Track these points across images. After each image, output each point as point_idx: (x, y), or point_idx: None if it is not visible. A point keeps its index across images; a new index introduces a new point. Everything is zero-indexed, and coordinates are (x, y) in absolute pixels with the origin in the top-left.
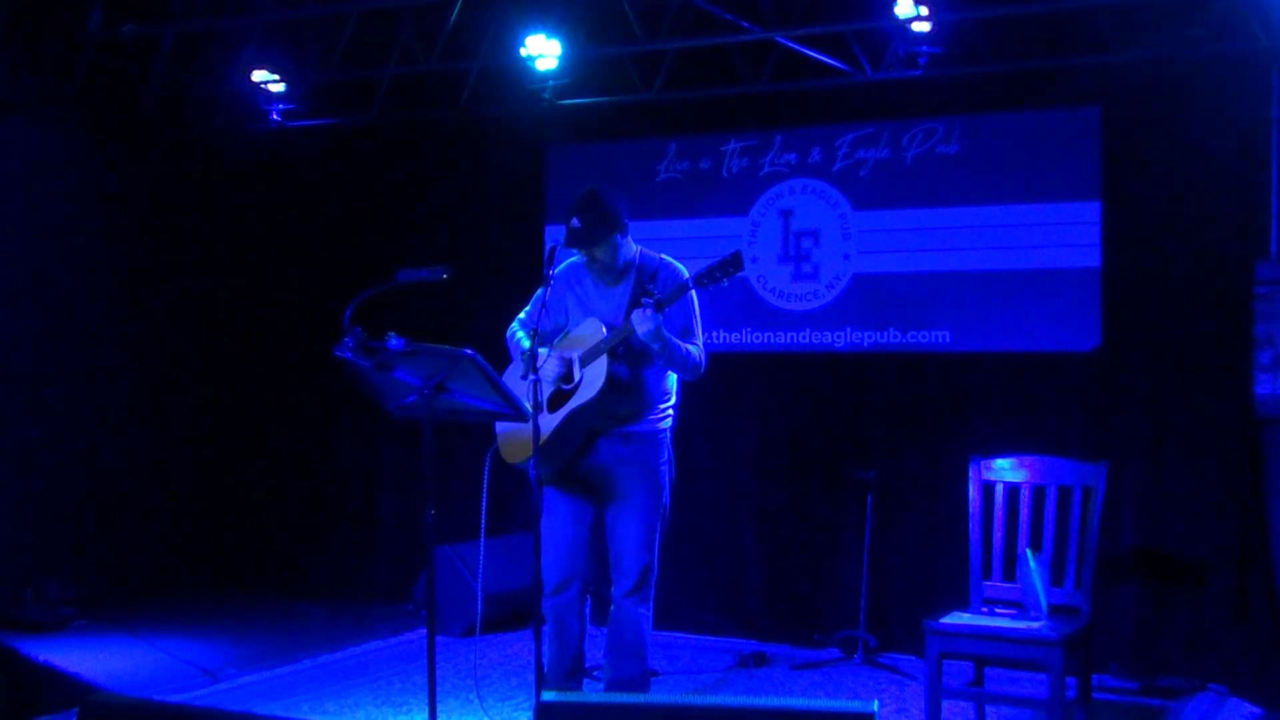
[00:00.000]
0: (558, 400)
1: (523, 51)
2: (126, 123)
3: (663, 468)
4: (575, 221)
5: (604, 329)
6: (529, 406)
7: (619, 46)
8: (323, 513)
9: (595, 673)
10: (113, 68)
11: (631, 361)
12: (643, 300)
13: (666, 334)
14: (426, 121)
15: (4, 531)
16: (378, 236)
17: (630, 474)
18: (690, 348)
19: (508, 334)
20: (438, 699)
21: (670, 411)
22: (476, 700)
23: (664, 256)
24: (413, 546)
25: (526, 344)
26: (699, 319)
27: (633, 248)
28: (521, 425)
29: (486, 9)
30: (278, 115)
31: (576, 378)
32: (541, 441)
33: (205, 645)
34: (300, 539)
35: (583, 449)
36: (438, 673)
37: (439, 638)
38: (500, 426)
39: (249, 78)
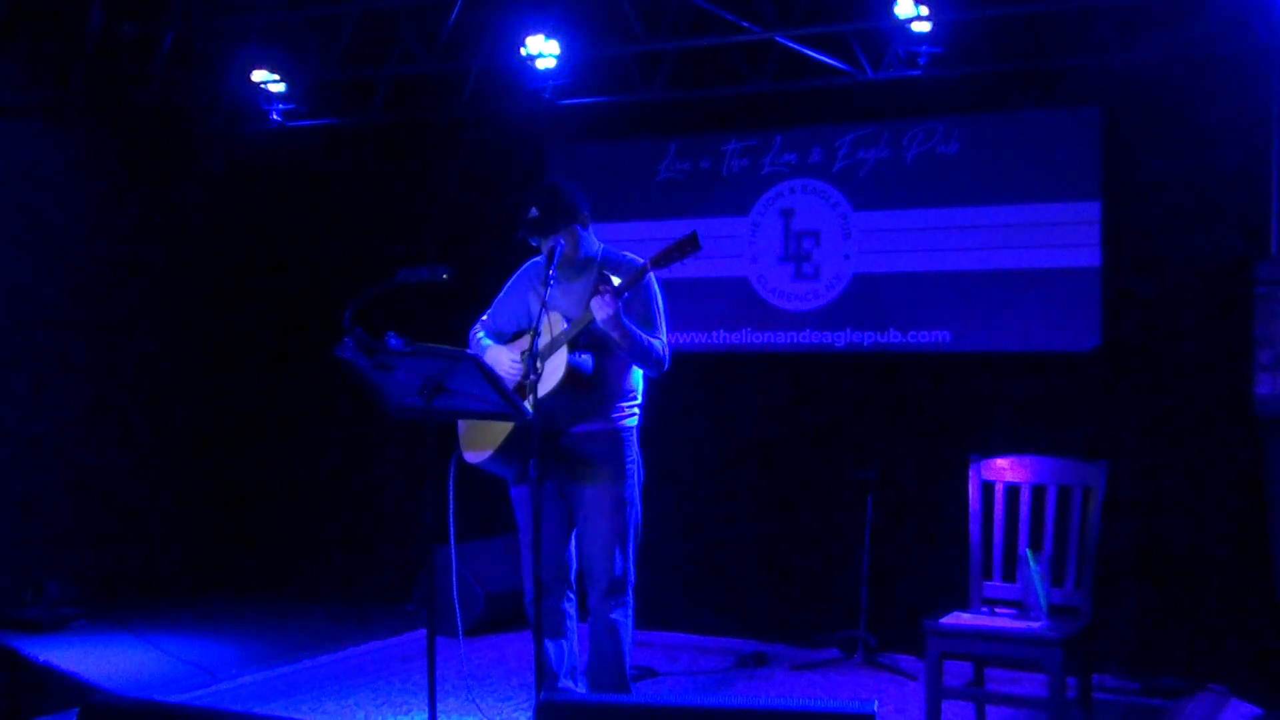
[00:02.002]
0: (519, 395)
1: (523, 51)
2: (126, 123)
3: (629, 467)
4: (532, 211)
5: (564, 322)
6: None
7: (619, 46)
8: (323, 513)
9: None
10: (112, 68)
11: (592, 352)
12: (600, 287)
13: (626, 322)
14: (426, 121)
15: (5, 531)
16: (378, 236)
17: (594, 475)
18: (653, 340)
19: (470, 335)
20: (437, 699)
21: (635, 410)
22: (475, 700)
23: (627, 253)
24: (413, 546)
25: (487, 343)
26: (662, 311)
27: (595, 244)
28: (479, 421)
29: (486, 9)
30: (278, 115)
31: (537, 371)
32: (503, 440)
33: (205, 645)
34: (300, 539)
35: (544, 448)
36: (437, 673)
37: (439, 638)
38: (462, 425)
39: (249, 78)
